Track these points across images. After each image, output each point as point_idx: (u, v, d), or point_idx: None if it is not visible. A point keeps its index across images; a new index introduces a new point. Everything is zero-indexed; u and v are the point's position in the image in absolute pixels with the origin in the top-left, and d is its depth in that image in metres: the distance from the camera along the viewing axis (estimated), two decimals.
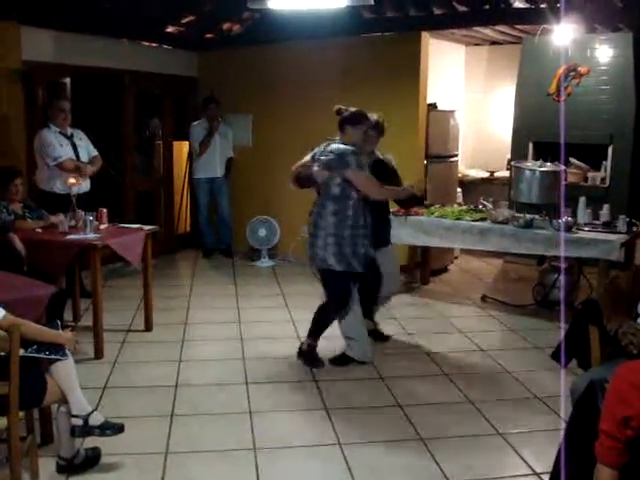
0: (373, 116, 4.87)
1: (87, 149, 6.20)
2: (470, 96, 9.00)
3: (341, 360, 4.84)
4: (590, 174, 7.40)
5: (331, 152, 4.49)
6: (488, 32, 7.71)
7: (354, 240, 4.54)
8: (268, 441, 3.69)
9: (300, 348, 4.91)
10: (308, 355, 4.83)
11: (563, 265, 5.88)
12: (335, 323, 4.81)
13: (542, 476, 3.30)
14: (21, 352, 2.92)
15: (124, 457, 3.46)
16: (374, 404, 4.21)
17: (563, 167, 6.17)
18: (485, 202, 6.43)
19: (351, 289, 4.66)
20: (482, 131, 8.98)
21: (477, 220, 6.12)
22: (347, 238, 4.51)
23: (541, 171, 5.91)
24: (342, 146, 4.50)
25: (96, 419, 3.26)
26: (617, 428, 2.38)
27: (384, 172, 4.90)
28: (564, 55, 7.14)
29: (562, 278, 5.95)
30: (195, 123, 8.12)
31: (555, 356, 3.57)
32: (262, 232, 7.98)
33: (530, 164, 6.23)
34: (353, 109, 4.63)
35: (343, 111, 4.61)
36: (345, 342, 4.85)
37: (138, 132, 8.45)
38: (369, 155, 4.92)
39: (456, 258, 8.14)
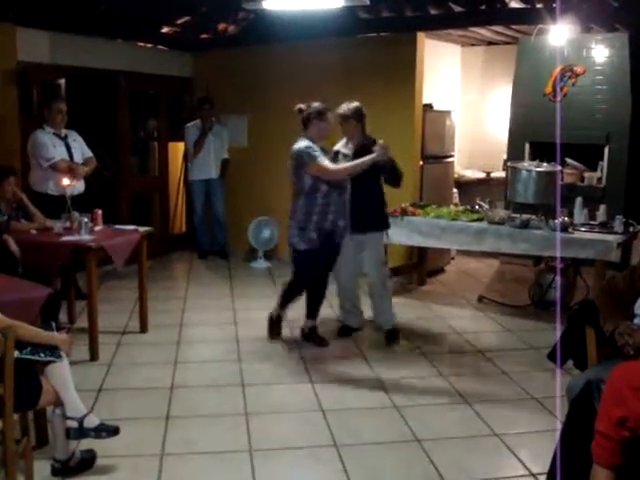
0: (353, 103, 5.20)
1: (81, 150, 6.17)
2: (466, 96, 8.99)
3: (345, 332, 5.47)
4: (586, 174, 7.40)
5: (290, 156, 4.98)
6: (484, 32, 7.71)
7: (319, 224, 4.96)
8: (264, 443, 3.68)
9: (303, 331, 5.34)
10: (309, 336, 5.30)
11: (559, 266, 5.88)
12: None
13: (538, 477, 3.29)
14: (16, 354, 2.90)
15: (119, 459, 3.44)
16: (370, 405, 4.20)
17: (559, 167, 6.18)
18: (481, 202, 6.42)
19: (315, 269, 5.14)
20: (478, 131, 8.97)
21: (473, 221, 6.12)
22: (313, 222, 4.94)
23: (537, 171, 5.91)
24: (296, 147, 4.96)
25: (91, 421, 3.25)
26: (613, 429, 2.38)
27: (368, 153, 4.97)
28: (560, 55, 7.13)
29: (558, 279, 5.95)
30: (189, 124, 8.11)
31: (551, 356, 3.56)
32: (266, 233, 7.98)
33: (526, 164, 6.23)
34: (316, 104, 5.06)
35: (304, 109, 5.05)
36: (342, 314, 5.53)
37: (133, 133, 8.45)
38: (356, 143, 5.17)
39: (453, 259, 8.14)
